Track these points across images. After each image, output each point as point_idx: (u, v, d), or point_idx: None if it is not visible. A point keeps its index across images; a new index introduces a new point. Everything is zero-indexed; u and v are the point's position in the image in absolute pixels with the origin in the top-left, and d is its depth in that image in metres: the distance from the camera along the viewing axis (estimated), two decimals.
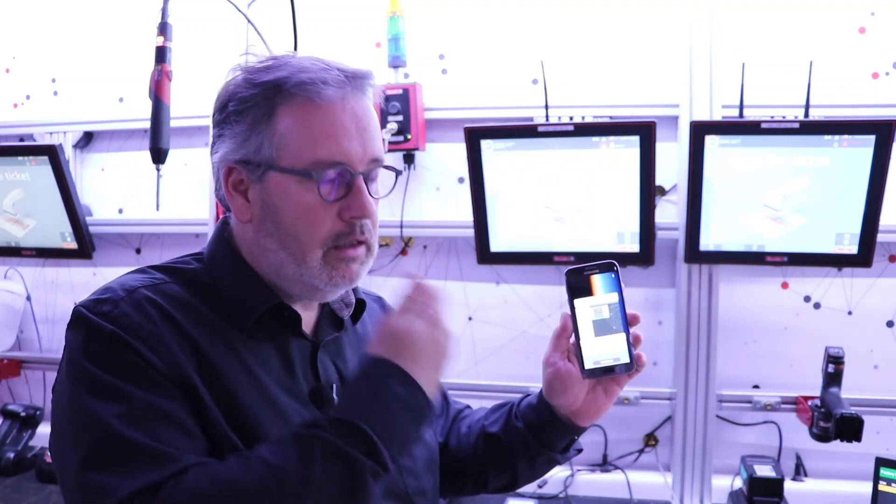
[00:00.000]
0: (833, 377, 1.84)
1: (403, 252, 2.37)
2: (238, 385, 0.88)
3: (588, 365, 1.00)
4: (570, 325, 1.02)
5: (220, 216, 1.04)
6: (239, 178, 0.94)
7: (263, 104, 0.90)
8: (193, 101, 2.36)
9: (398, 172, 0.99)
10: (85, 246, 2.43)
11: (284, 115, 0.90)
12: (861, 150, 1.83)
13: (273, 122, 0.90)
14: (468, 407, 1.30)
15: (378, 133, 0.95)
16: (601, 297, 0.99)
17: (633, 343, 1.00)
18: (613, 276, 0.99)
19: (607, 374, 1.01)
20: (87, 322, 0.85)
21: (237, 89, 0.92)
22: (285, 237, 0.92)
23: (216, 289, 0.95)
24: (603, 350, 1.00)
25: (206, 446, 0.84)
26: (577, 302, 1.00)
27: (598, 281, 1.00)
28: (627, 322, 1.00)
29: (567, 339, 1.05)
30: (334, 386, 0.98)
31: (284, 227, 0.91)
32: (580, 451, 1.16)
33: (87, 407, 0.81)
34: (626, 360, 1.00)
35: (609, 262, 1.00)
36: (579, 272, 1.00)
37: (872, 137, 1.81)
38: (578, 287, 1.00)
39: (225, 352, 0.90)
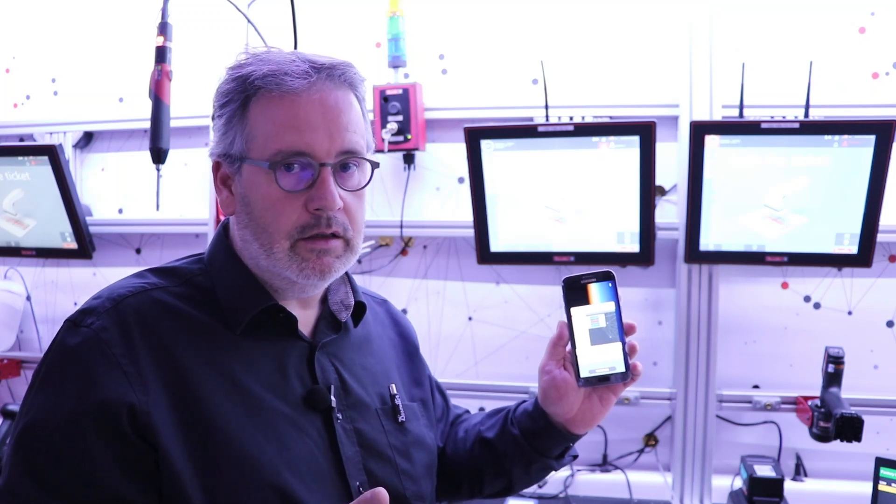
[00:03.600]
0: (833, 377, 1.84)
1: (403, 252, 2.37)
2: (214, 398, 0.87)
3: (584, 373, 1.00)
4: (567, 334, 1.02)
5: (221, 216, 1.05)
6: (225, 172, 0.96)
7: (238, 98, 0.92)
8: (193, 101, 2.36)
9: (374, 165, 0.97)
10: (85, 246, 2.42)
11: (253, 108, 0.92)
12: (861, 150, 1.83)
13: (246, 115, 0.92)
14: (467, 411, 1.30)
15: (356, 125, 0.94)
16: (598, 305, 1.00)
17: (628, 352, 1.00)
18: (610, 285, 0.99)
19: (602, 383, 1.00)
20: (60, 346, 0.87)
21: (220, 86, 0.95)
22: (256, 228, 0.93)
23: (212, 290, 0.95)
24: (599, 359, 1.00)
25: (121, 492, 0.83)
26: (573, 310, 1.01)
27: (595, 290, 1.00)
28: (624, 331, 0.99)
29: (563, 347, 1.05)
30: (332, 387, 0.98)
31: (255, 218, 0.93)
32: (575, 457, 1.17)
33: (14, 446, 0.84)
34: (622, 369, 0.99)
35: (606, 272, 1.00)
36: (576, 280, 1.00)
37: (872, 137, 1.81)
38: (575, 295, 1.00)
39: (207, 363, 0.89)
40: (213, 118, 0.97)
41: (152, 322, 0.89)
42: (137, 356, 0.85)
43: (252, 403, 0.90)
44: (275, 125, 0.90)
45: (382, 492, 0.78)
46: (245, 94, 0.92)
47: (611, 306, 0.99)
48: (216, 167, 0.97)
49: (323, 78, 0.91)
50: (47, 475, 0.81)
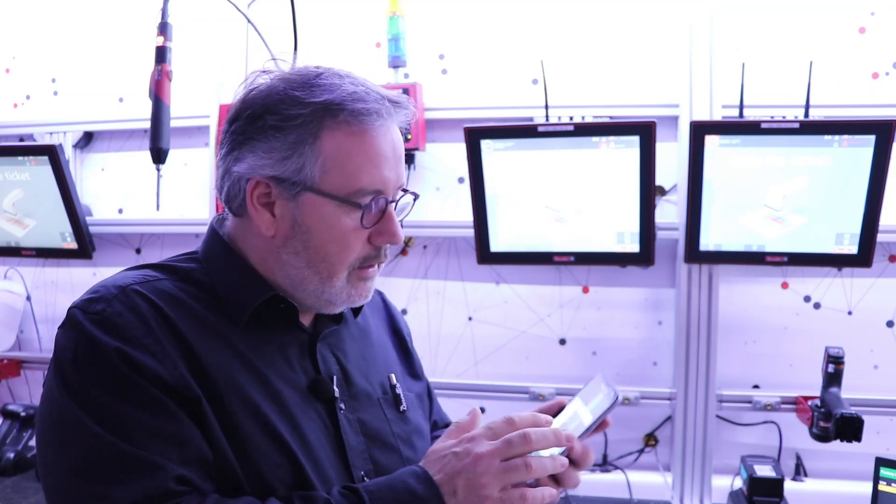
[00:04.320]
0: (833, 377, 1.84)
1: (403, 252, 2.37)
2: (234, 380, 0.88)
3: None
4: (555, 410, 1.02)
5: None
6: (266, 191, 0.92)
7: (310, 125, 0.89)
8: (193, 101, 2.36)
9: (416, 196, 1.01)
10: (85, 246, 2.43)
11: (329, 139, 0.89)
12: (861, 150, 1.83)
13: (318, 144, 0.89)
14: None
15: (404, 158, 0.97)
16: (585, 411, 0.98)
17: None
18: (608, 405, 0.96)
19: None
20: (79, 326, 0.85)
21: (279, 104, 0.89)
22: (314, 257, 0.93)
23: (211, 285, 0.96)
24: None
25: (205, 452, 0.84)
26: (578, 399, 1.00)
27: (599, 398, 0.98)
28: (566, 449, 0.95)
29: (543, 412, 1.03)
30: (334, 378, 0.99)
31: (314, 248, 0.92)
32: None
33: (76, 417, 0.82)
34: None
35: (617, 395, 0.97)
36: (601, 382, 1.00)
37: (872, 137, 1.81)
38: (592, 391, 1.00)
39: (219, 347, 0.90)
40: (247, 131, 0.91)
41: (162, 308, 0.89)
42: (158, 337, 0.86)
43: (266, 385, 0.91)
44: (357, 162, 0.90)
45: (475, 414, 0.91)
46: (319, 122, 0.89)
47: (588, 419, 0.96)
48: (255, 185, 0.92)
49: (393, 114, 0.92)
50: (138, 435, 0.81)
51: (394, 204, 0.95)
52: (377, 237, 0.94)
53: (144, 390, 0.82)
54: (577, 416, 0.98)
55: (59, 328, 0.88)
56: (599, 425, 0.96)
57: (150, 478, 0.79)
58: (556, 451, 0.93)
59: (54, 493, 0.83)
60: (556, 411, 1.02)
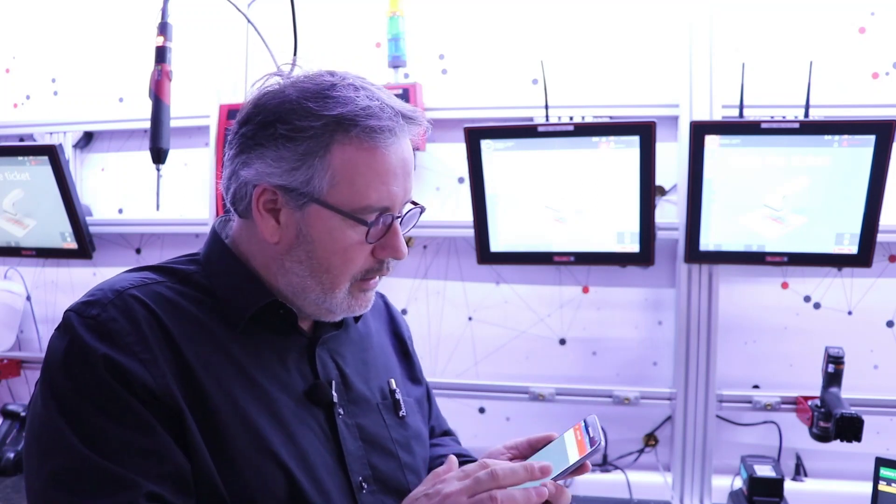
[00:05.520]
0: (833, 377, 1.84)
1: None
2: (226, 389, 0.88)
3: None
4: (543, 442, 1.01)
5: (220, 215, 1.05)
6: (272, 198, 0.92)
7: (321, 138, 0.88)
8: (193, 101, 2.36)
9: (422, 209, 1.01)
10: (85, 246, 2.43)
11: (340, 153, 0.88)
12: (861, 150, 1.83)
13: (328, 157, 0.88)
14: (445, 432, 1.28)
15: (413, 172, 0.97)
16: (575, 452, 0.96)
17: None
18: (591, 450, 0.94)
19: None
20: (72, 330, 0.85)
21: (291, 114, 0.88)
22: (317, 268, 0.93)
23: (211, 288, 0.95)
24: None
25: (182, 467, 0.84)
26: (564, 437, 0.99)
27: (583, 441, 0.96)
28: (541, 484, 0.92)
29: (532, 447, 1.03)
30: (333, 383, 0.99)
31: (318, 259, 0.92)
32: None
33: (58, 427, 0.82)
34: None
35: (601, 443, 0.95)
36: (591, 424, 0.98)
37: (872, 137, 1.81)
38: (582, 434, 0.98)
39: (213, 354, 0.90)
40: (257, 136, 0.90)
41: (158, 313, 0.89)
42: (150, 344, 0.86)
43: (260, 393, 0.91)
44: (366, 178, 0.89)
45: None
46: (330, 135, 0.88)
47: (571, 460, 0.94)
48: (261, 192, 0.91)
49: (406, 130, 0.92)
50: (114, 450, 0.81)
51: (399, 220, 0.95)
52: (381, 251, 0.94)
53: (126, 402, 0.82)
54: (561, 453, 0.97)
55: (54, 331, 0.88)
56: (578, 468, 0.94)
57: (122, 493, 0.79)
58: (533, 483, 0.91)
59: (33, 499, 0.84)
60: (545, 443, 1.01)
